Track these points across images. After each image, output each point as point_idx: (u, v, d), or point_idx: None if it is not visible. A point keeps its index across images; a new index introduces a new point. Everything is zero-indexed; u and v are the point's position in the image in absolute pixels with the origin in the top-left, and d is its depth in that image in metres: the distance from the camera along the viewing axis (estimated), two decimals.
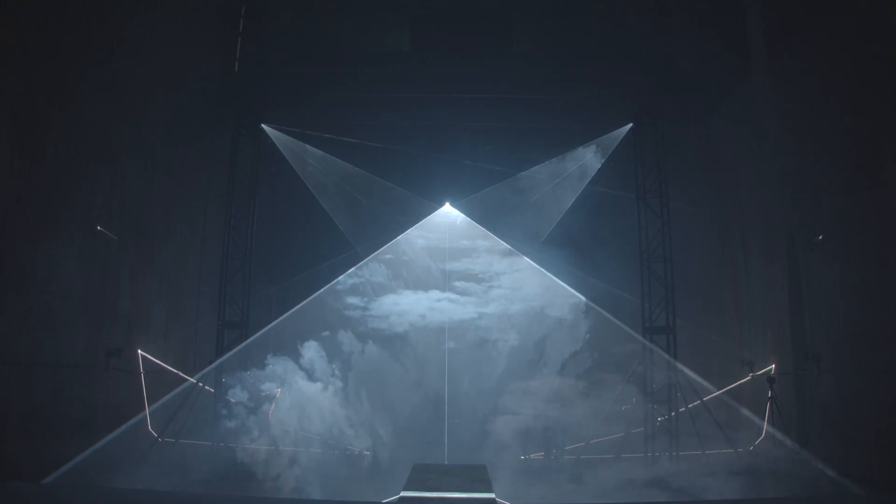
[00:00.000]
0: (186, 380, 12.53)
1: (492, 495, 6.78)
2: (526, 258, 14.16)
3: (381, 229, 14.34)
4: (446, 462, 11.92)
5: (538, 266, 14.03)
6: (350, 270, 13.98)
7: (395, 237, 14.41)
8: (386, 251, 14.34)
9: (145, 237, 12.91)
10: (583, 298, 13.45)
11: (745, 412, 12.45)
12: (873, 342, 9.87)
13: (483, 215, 14.41)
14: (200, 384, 12.40)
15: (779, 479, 10.73)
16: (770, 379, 11.79)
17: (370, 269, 14.25)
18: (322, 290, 13.57)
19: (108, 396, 10.91)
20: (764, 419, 12.04)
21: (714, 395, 12.48)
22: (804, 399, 11.63)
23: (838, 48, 10.66)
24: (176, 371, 12.54)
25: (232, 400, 12.32)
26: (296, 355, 12.33)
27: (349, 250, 14.23)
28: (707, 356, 13.94)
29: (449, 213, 14.73)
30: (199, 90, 14.12)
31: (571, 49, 14.44)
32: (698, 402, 12.22)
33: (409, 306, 14.12)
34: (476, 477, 7.54)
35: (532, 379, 12.96)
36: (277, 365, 12.13)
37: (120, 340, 11.75)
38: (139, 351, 12.09)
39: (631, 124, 13.77)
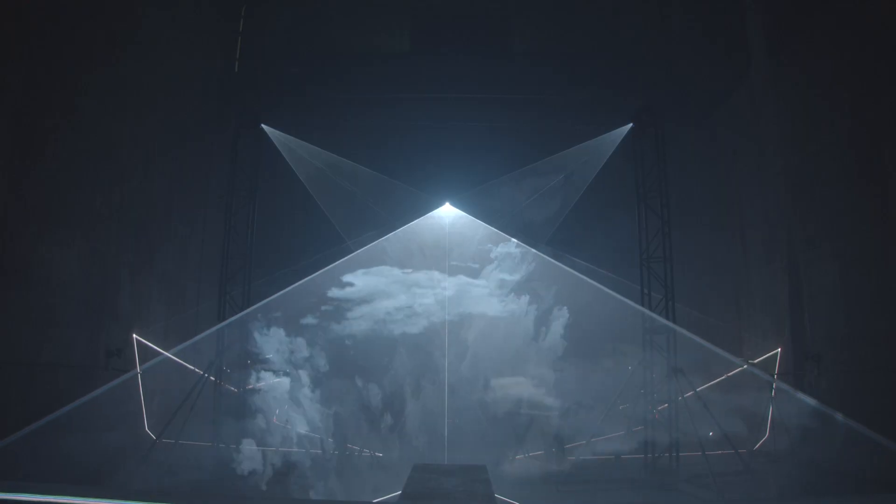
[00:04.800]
0: (186, 378, 12.51)
1: (492, 495, 6.77)
2: (530, 252, 14.13)
3: (381, 229, 14.33)
4: (446, 462, 11.91)
5: (542, 257, 14.00)
6: (342, 260, 13.88)
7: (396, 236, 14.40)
8: (384, 247, 14.30)
9: (145, 237, 12.91)
10: (594, 286, 13.36)
11: (747, 413, 12.44)
12: (873, 342, 9.87)
13: (483, 214, 14.40)
14: (205, 374, 12.35)
15: (779, 480, 10.74)
16: (770, 379, 11.77)
17: (368, 263, 14.20)
18: (306, 279, 13.45)
19: (107, 396, 10.90)
20: (764, 419, 12.06)
21: (714, 395, 12.46)
22: (803, 399, 11.61)
23: (838, 48, 10.66)
24: (178, 360, 12.52)
25: (232, 389, 12.33)
26: (293, 352, 12.30)
27: (347, 249, 14.20)
28: (707, 356, 13.92)
29: (449, 212, 14.71)
30: (199, 90, 14.12)
31: (571, 49, 14.43)
32: (699, 402, 12.19)
33: (408, 302, 14.11)
34: (476, 477, 7.54)
35: (533, 377, 12.94)
36: (273, 362, 12.10)
37: (120, 340, 11.75)
38: (135, 336, 12.08)
39: (631, 124, 13.75)
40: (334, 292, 13.81)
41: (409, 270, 14.39)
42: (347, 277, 13.94)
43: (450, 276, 14.40)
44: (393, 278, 14.38)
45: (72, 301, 10.71)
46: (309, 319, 12.91)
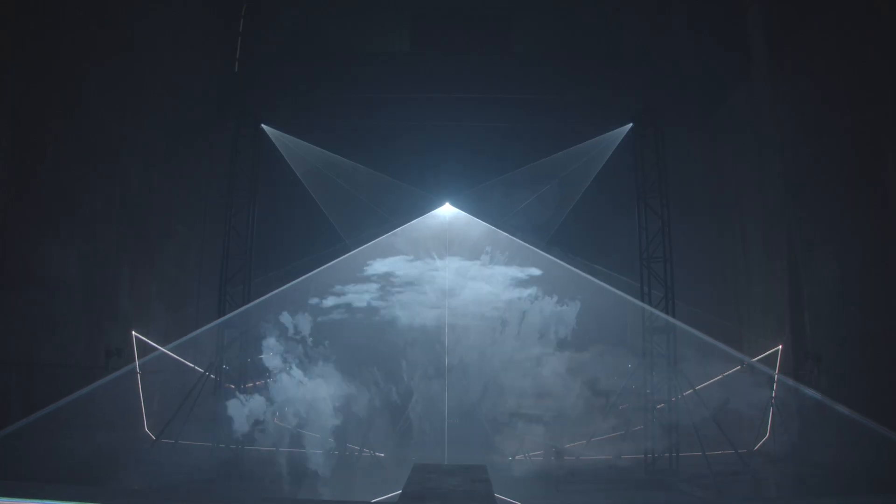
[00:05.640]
0: (186, 377, 12.51)
1: (492, 495, 6.77)
2: (530, 251, 14.12)
3: (381, 228, 14.32)
4: (446, 462, 11.91)
5: (542, 256, 13.99)
6: (340, 258, 13.86)
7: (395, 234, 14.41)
8: (382, 247, 14.29)
9: (145, 237, 12.91)
10: (595, 285, 13.36)
11: (747, 413, 12.45)
12: (873, 342, 9.87)
13: (483, 213, 14.40)
14: (207, 373, 12.34)
15: (779, 480, 10.74)
16: (770, 379, 11.78)
17: (365, 262, 14.20)
18: (305, 277, 13.42)
19: (107, 396, 10.91)
20: (764, 419, 12.06)
21: (714, 394, 12.46)
22: (804, 399, 11.62)
23: (838, 48, 10.66)
24: (178, 357, 12.53)
25: (231, 386, 12.31)
26: (291, 351, 12.29)
27: (346, 248, 14.20)
28: (707, 356, 13.93)
29: (449, 212, 14.71)
30: (199, 90, 14.13)
31: (571, 49, 14.43)
32: (699, 402, 12.19)
33: (408, 300, 14.11)
34: (476, 477, 7.54)
35: (532, 375, 12.93)
36: (272, 362, 12.09)
37: (120, 341, 11.76)
38: (134, 333, 12.08)
39: (631, 124, 13.75)
40: (332, 291, 13.81)
41: (408, 269, 14.39)
42: (345, 277, 13.96)
43: (449, 275, 14.40)
44: (390, 278, 14.40)
45: (72, 301, 10.72)
46: (307, 318, 12.89)
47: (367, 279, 14.27)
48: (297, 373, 12.08)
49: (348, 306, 13.98)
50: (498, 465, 11.32)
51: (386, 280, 14.39)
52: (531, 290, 14.00)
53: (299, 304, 13.01)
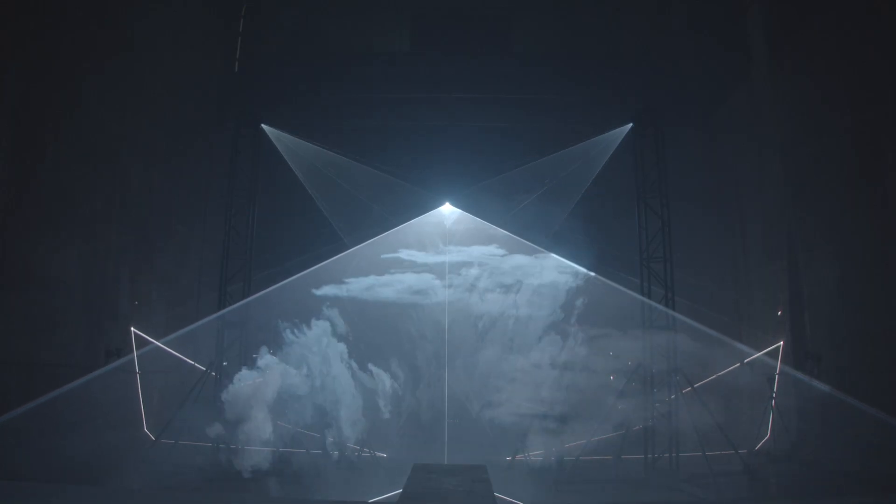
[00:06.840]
0: (186, 377, 12.49)
1: (492, 495, 6.77)
2: (531, 250, 14.12)
3: (381, 229, 14.32)
4: (446, 462, 11.91)
5: (543, 256, 13.98)
6: (339, 256, 13.87)
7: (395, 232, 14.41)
8: (382, 244, 14.28)
9: (145, 237, 12.92)
10: (595, 284, 13.34)
11: (747, 413, 12.44)
12: (873, 342, 9.87)
13: (483, 213, 14.40)
14: (209, 371, 12.32)
15: (779, 481, 10.74)
16: (770, 379, 11.78)
17: (363, 261, 14.20)
18: (304, 275, 13.43)
19: (107, 395, 10.92)
20: (765, 419, 12.06)
21: (714, 394, 12.46)
22: (804, 399, 11.63)
23: (838, 48, 10.66)
24: (177, 354, 12.54)
25: (232, 386, 12.32)
26: (291, 352, 12.27)
27: (345, 247, 14.19)
28: (707, 356, 13.92)
29: (449, 211, 14.71)
30: (199, 90, 14.13)
31: (571, 49, 14.44)
32: (699, 402, 12.19)
33: (407, 300, 14.11)
34: (476, 477, 7.53)
35: (533, 376, 12.92)
36: (271, 363, 12.07)
37: (119, 340, 11.76)
38: (133, 329, 12.09)
39: (631, 124, 13.75)
40: (331, 291, 13.80)
41: (407, 268, 14.39)
42: (342, 276, 13.96)
43: (448, 273, 14.40)
44: (389, 276, 14.39)
45: (72, 301, 10.72)
46: (305, 318, 12.89)
47: (365, 278, 14.26)
48: (296, 372, 12.07)
49: (345, 306, 13.96)
50: (498, 465, 11.32)
51: (384, 278, 14.38)
52: (530, 289, 14.01)
53: (296, 304, 13.00)
